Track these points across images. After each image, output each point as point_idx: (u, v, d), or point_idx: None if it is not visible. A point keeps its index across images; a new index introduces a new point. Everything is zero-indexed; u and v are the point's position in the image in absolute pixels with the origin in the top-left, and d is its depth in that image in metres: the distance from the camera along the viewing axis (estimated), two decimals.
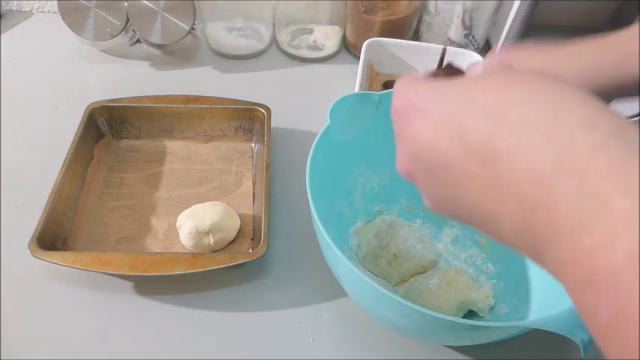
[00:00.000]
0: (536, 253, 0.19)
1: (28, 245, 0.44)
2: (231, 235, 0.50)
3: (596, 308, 0.16)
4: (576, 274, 0.17)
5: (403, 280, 0.48)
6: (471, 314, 0.46)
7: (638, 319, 0.14)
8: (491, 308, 0.45)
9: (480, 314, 0.45)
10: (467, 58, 0.63)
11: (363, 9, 0.71)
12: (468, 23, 0.72)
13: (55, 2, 0.68)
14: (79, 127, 0.55)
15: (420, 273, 0.48)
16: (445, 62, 0.29)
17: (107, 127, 0.59)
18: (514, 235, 0.20)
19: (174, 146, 0.60)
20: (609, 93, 0.34)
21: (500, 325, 0.33)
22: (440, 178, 0.22)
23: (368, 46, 0.65)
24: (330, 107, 0.43)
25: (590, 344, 0.30)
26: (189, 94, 0.60)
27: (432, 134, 0.22)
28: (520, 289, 0.45)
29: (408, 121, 0.23)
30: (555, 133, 0.18)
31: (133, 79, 0.70)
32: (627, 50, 0.33)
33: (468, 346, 0.45)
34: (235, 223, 0.51)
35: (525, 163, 0.18)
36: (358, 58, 0.65)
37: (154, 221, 0.52)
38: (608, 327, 0.16)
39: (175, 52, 0.75)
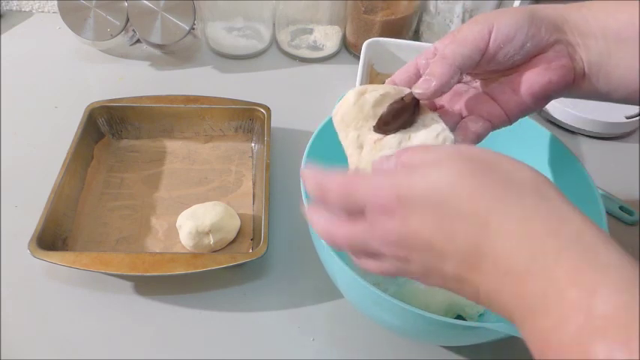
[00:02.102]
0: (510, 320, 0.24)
1: (28, 245, 0.44)
2: (231, 235, 0.50)
3: None
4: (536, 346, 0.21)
5: None
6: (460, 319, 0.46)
7: None
8: (481, 315, 0.45)
9: (468, 320, 0.45)
10: None
11: (363, 9, 0.71)
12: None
13: (55, 2, 0.68)
14: (79, 127, 0.55)
15: None
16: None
17: (107, 127, 0.59)
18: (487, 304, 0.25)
19: (174, 146, 0.60)
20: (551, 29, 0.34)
21: (480, 326, 0.34)
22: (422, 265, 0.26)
23: (368, 46, 0.65)
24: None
25: None
26: (189, 94, 0.60)
27: (429, 231, 0.24)
28: None
29: (401, 215, 0.25)
30: (527, 240, 0.22)
31: (133, 79, 0.70)
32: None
33: (465, 346, 0.45)
34: (235, 223, 0.51)
35: (504, 267, 0.22)
36: (358, 58, 0.65)
37: (154, 221, 0.52)
38: None
39: (175, 52, 0.75)
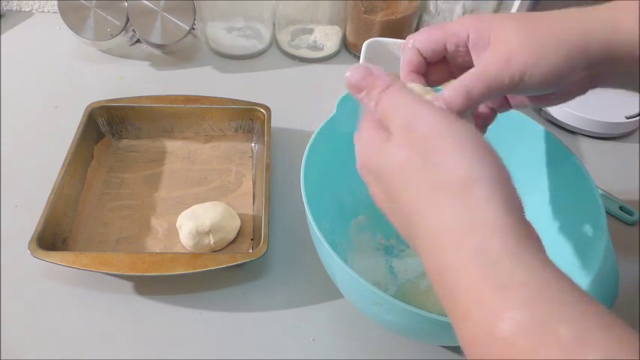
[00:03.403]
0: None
1: (28, 245, 0.44)
2: (232, 235, 0.50)
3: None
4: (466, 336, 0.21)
5: None
6: None
7: None
8: None
9: None
10: None
11: (363, 9, 0.71)
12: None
13: (55, 2, 0.68)
14: (79, 127, 0.55)
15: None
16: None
17: (107, 127, 0.59)
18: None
19: (174, 146, 0.60)
20: (599, 63, 0.30)
21: None
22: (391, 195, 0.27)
23: (368, 46, 0.65)
24: (340, 98, 0.44)
25: None
26: (189, 94, 0.60)
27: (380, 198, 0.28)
28: None
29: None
30: (436, 250, 0.23)
31: (133, 79, 0.70)
32: (616, 16, 0.30)
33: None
34: (235, 224, 0.51)
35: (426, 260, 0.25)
36: (358, 58, 0.65)
37: (154, 221, 0.52)
38: None
39: (175, 52, 0.75)
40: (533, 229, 0.23)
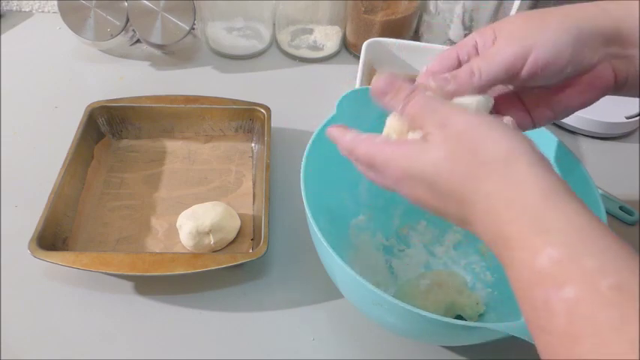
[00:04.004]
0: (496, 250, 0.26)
1: (28, 245, 0.44)
2: (232, 235, 0.50)
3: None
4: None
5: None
6: (460, 320, 0.46)
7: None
8: (481, 315, 0.45)
9: (468, 320, 0.45)
10: None
11: (363, 9, 0.71)
12: (467, 23, 0.72)
13: (55, 2, 0.68)
14: (79, 127, 0.55)
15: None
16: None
17: (107, 127, 0.59)
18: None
19: (174, 146, 0.60)
20: (614, 38, 0.31)
21: (480, 326, 0.34)
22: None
23: (368, 46, 0.65)
24: (340, 98, 0.44)
25: None
26: (189, 94, 0.60)
27: (428, 200, 0.29)
28: (512, 298, 0.45)
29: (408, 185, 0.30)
30: (491, 214, 0.26)
31: (133, 79, 0.70)
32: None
33: (465, 346, 0.45)
34: (235, 224, 0.51)
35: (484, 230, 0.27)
36: (358, 58, 0.65)
37: (154, 221, 0.52)
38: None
39: (175, 52, 0.75)
40: (562, 179, 0.25)
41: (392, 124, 0.33)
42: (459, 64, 0.34)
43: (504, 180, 0.25)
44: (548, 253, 0.22)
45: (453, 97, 0.32)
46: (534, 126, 0.36)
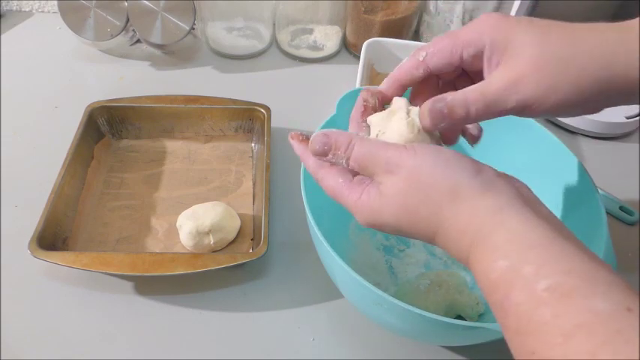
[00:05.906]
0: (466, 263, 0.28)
1: (28, 245, 0.44)
2: (232, 235, 0.50)
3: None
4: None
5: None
6: (460, 320, 0.46)
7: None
8: (481, 315, 0.45)
9: (468, 320, 0.45)
10: None
11: (363, 9, 0.71)
12: (468, 23, 0.72)
13: (55, 2, 0.68)
14: (79, 128, 0.55)
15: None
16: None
17: (107, 127, 0.59)
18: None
19: (174, 146, 0.60)
20: (619, 93, 0.29)
21: (480, 326, 0.34)
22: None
23: (368, 46, 0.65)
24: (340, 98, 0.44)
25: None
26: (189, 94, 0.60)
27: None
28: None
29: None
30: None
31: (133, 79, 0.70)
32: None
33: (465, 346, 0.45)
34: (235, 223, 0.51)
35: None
36: (358, 58, 0.65)
37: (154, 221, 0.52)
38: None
39: (175, 52, 0.75)
40: (509, 192, 0.27)
41: (377, 122, 0.33)
42: (460, 61, 0.32)
43: (456, 211, 0.27)
44: (498, 266, 0.25)
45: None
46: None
